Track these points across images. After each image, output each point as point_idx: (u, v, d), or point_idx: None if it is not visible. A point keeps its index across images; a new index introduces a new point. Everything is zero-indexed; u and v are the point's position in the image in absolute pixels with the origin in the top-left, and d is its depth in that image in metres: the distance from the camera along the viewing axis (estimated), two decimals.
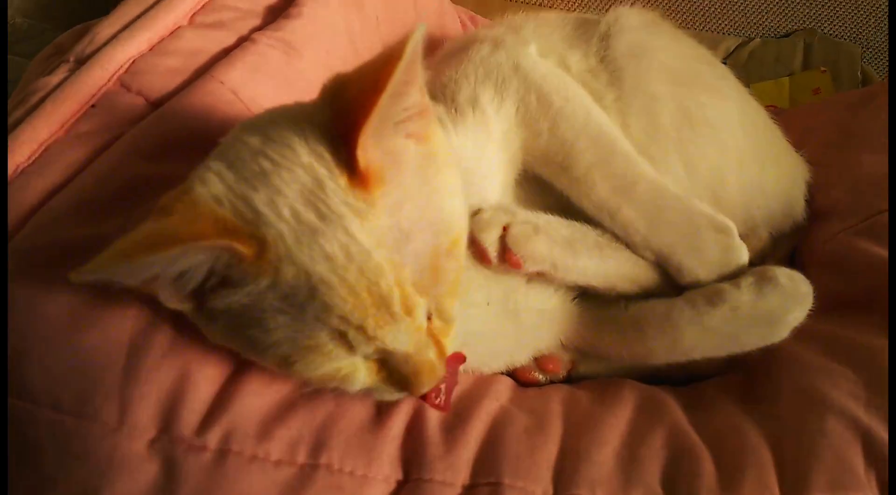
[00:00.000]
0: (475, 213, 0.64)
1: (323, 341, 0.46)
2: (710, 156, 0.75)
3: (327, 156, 0.46)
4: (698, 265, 0.65)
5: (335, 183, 0.45)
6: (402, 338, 0.47)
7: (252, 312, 0.45)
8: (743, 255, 0.66)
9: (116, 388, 0.49)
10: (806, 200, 0.84)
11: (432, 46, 0.79)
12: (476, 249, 0.62)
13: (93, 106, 0.60)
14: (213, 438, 0.50)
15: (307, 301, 0.44)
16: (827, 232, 0.81)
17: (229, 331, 0.47)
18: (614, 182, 0.65)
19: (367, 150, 0.44)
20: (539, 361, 0.70)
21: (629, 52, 0.77)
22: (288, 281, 0.44)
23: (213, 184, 0.46)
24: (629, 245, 0.66)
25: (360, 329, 0.45)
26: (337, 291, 0.44)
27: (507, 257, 0.62)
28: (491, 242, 0.62)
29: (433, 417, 0.57)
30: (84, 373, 0.50)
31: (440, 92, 0.66)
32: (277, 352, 0.46)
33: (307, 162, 0.45)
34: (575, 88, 0.68)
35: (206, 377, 0.51)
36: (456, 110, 0.64)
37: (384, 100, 0.42)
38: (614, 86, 0.75)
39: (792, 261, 0.84)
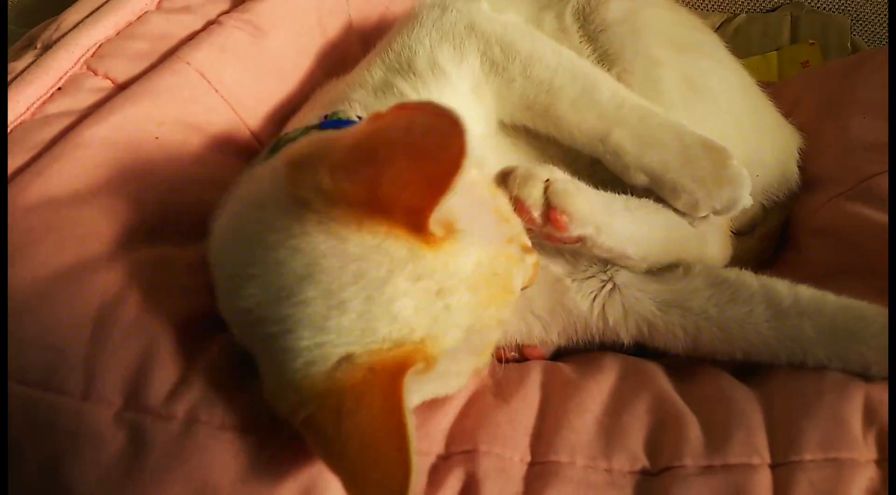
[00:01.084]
0: (507, 172, 0.61)
1: (489, 350, 0.52)
2: (713, 123, 0.74)
3: (400, 252, 0.44)
4: (692, 181, 0.64)
5: (427, 264, 0.45)
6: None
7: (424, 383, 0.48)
8: (742, 178, 0.64)
9: (82, 360, 0.49)
10: (799, 167, 0.83)
11: None
12: (518, 208, 0.59)
13: (59, 89, 0.60)
14: (180, 408, 0.49)
15: (469, 349, 0.49)
16: (818, 199, 0.80)
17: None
18: (600, 109, 0.64)
19: (436, 222, 0.45)
20: (524, 349, 0.68)
21: (623, 18, 0.76)
22: (453, 346, 0.47)
23: (342, 338, 0.44)
24: (621, 169, 0.65)
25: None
26: (492, 316, 0.49)
27: (551, 216, 0.59)
28: (535, 199, 0.59)
29: None
30: (50, 346, 0.50)
31: (395, 61, 0.65)
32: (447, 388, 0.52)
33: (387, 269, 0.44)
34: (538, 33, 0.68)
35: (174, 349, 0.51)
36: (415, 75, 0.63)
37: (448, 196, 0.42)
38: (600, 48, 0.75)
39: (784, 230, 0.84)
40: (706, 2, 1.21)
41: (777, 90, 0.90)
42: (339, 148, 0.45)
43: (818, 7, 1.17)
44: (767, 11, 1.18)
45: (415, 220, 0.44)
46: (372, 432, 0.41)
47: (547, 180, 0.60)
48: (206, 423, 0.49)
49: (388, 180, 0.43)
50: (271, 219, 0.46)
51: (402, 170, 0.42)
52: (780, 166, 0.82)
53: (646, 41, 0.75)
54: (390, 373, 0.43)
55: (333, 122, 0.59)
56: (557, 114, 0.65)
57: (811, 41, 1.12)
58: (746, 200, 0.64)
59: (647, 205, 0.65)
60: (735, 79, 0.82)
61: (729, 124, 0.76)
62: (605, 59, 0.75)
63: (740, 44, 1.08)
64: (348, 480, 0.42)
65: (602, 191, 0.64)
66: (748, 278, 0.64)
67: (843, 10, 1.16)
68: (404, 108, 0.44)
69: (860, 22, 1.16)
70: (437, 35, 0.65)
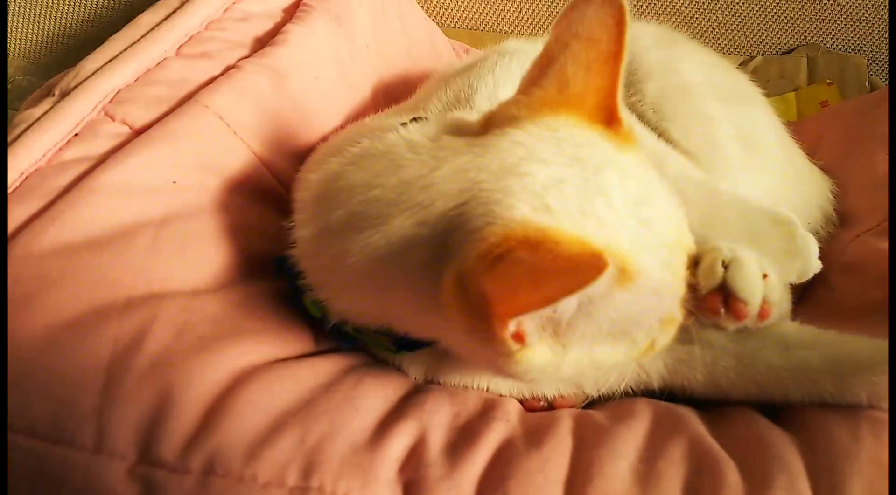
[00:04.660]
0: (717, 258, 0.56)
1: (677, 309, 0.49)
2: (768, 178, 0.74)
3: (607, 147, 0.48)
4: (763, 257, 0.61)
5: (626, 166, 0.48)
6: None
7: (612, 323, 0.45)
8: (811, 246, 0.63)
9: (94, 411, 0.47)
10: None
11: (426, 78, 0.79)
12: (735, 308, 0.54)
13: (76, 135, 0.60)
14: (196, 461, 0.47)
15: (661, 287, 0.46)
16: (846, 236, 0.79)
17: (580, 353, 0.48)
18: None
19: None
20: (555, 400, 0.65)
21: (662, 69, 0.75)
22: (643, 274, 0.44)
23: (560, 204, 0.44)
24: None
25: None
26: (679, 259, 0.47)
27: (763, 312, 0.55)
28: (757, 299, 0.55)
29: (437, 438, 0.53)
30: (60, 398, 0.48)
31: (453, 98, 0.65)
32: (636, 347, 0.49)
33: (601, 158, 0.47)
34: None
35: (190, 398, 0.49)
36: (471, 107, 0.63)
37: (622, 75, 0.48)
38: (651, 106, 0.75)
39: None
40: (723, 44, 1.21)
41: (797, 129, 0.89)
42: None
43: (834, 48, 1.17)
44: (783, 53, 1.19)
45: (605, 104, 0.49)
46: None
47: (765, 275, 0.56)
48: (224, 477, 0.47)
49: (571, 71, 0.48)
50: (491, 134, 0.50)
51: (579, 54, 0.48)
52: (822, 210, 0.81)
53: (697, 100, 0.74)
54: (595, 248, 0.42)
55: None
56: None
57: (829, 81, 1.12)
58: (816, 266, 0.63)
59: None
60: (774, 122, 0.81)
61: (779, 175, 0.76)
62: (662, 119, 0.74)
63: (759, 85, 1.08)
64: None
65: None
66: None
67: (858, 50, 1.16)
68: (559, 19, 0.49)
69: (876, 62, 1.16)
70: (504, 77, 0.66)
